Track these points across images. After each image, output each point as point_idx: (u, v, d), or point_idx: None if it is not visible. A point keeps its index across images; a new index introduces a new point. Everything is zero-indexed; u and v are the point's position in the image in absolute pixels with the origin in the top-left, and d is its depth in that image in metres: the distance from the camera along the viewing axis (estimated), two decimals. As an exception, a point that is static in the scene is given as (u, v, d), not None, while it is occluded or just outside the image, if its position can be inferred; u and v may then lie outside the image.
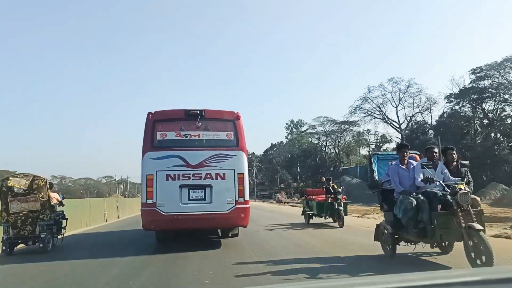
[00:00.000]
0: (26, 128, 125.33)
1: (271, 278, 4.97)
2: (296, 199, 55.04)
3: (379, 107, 58.21)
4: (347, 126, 62.17)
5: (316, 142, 68.84)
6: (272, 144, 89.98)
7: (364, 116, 58.51)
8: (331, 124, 64.42)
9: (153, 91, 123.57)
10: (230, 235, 8.80)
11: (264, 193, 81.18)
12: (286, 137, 78.71)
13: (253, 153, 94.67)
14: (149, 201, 7.30)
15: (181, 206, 7.32)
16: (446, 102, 47.36)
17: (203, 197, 7.43)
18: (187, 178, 7.42)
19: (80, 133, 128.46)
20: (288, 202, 47.73)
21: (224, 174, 7.49)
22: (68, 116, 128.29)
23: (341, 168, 65.93)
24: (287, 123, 78.11)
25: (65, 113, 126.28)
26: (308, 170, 68.23)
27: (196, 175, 7.44)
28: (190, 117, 7.75)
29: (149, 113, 7.73)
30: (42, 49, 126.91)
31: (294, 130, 76.95)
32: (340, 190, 12.50)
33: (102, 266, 6.41)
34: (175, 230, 8.26)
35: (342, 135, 64.03)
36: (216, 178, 7.44)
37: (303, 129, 74.45)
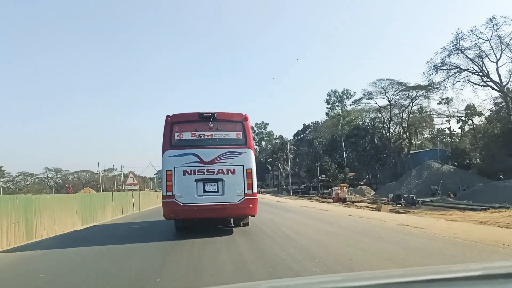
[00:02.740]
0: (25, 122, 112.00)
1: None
2: (358, 196, 37.17)
3: (473, 61, 39.91)
4: (421, 92, 43.83)
5: (373, 116, 50.32)
6: (304, 125, 72.10)
7: (452, 74, 40.20)
8: (395, 91, 46.17)
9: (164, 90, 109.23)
10: (241, 224, 9.96)
11: (296, 187, 63.03)
12: (327, 114, 60.20)
13: (281, 136, 77.17)
14: (169, 194, 8.40)
15: (197, 197, 8.39)
16: None
17: (216, 190, 8.48)
18: (201, 173, 8.48)
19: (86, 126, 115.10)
20: (356, 202, 29.78)
21: (234, 169, 8.55)
22: (72, 110, 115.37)
23: (410, 152, 47.76)
24: (328, 95, 59.63)
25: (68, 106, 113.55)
26: (360, 155, 50.28)
27: (209, 170, 8.49)
28: (204, 119, 8.78)
29: (168, 116, 8.75)
30: (44, 35, 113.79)
31: (337, 104, 58.42)
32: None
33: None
34: (191, 219, 9.36)
35: (413, 103, 45.42)
36: (227, 173, 8.50)
37: (353, 99, 55.39)
